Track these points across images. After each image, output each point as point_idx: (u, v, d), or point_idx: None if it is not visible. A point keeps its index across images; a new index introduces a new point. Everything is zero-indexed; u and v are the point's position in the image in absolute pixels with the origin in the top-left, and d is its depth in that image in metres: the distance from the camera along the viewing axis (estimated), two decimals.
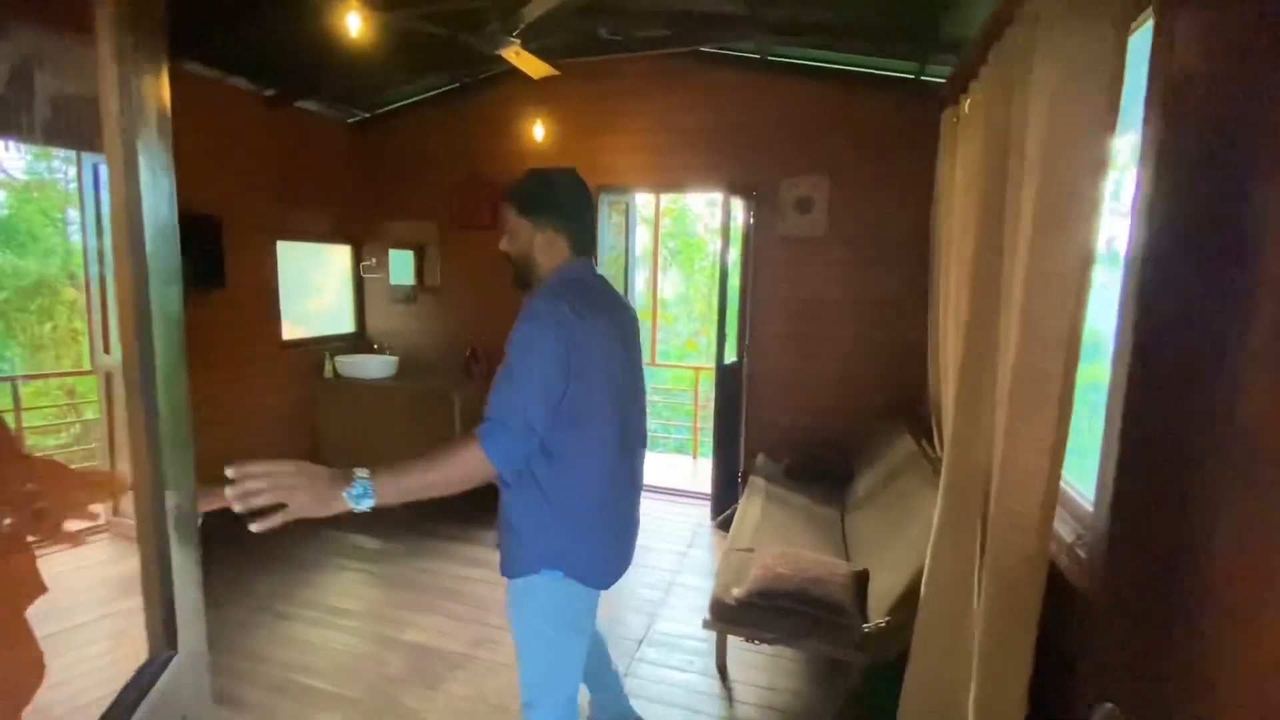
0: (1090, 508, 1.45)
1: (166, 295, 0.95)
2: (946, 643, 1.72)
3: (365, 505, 1.18)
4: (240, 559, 3.26)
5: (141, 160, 0.90)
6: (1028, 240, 1.36)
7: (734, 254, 3.87)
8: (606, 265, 4.32)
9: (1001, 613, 1.43)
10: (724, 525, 3.83)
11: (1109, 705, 0.90)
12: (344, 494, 1.16)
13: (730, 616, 2.19)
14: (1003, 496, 1.46)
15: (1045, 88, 1.36)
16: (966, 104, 2.33)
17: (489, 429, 1.30)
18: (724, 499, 3.97)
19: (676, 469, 5.12)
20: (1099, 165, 1.25)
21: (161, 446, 0.94)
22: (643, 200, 5.79)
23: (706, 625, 2.23)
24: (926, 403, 3.13)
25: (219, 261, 3.64)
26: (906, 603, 1.96)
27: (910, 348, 3.62)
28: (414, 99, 4.56)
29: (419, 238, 4.68)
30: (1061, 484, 1.38)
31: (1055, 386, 1.29)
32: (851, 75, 3.66)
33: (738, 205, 3.84)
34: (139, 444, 0.91)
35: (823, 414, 3.88)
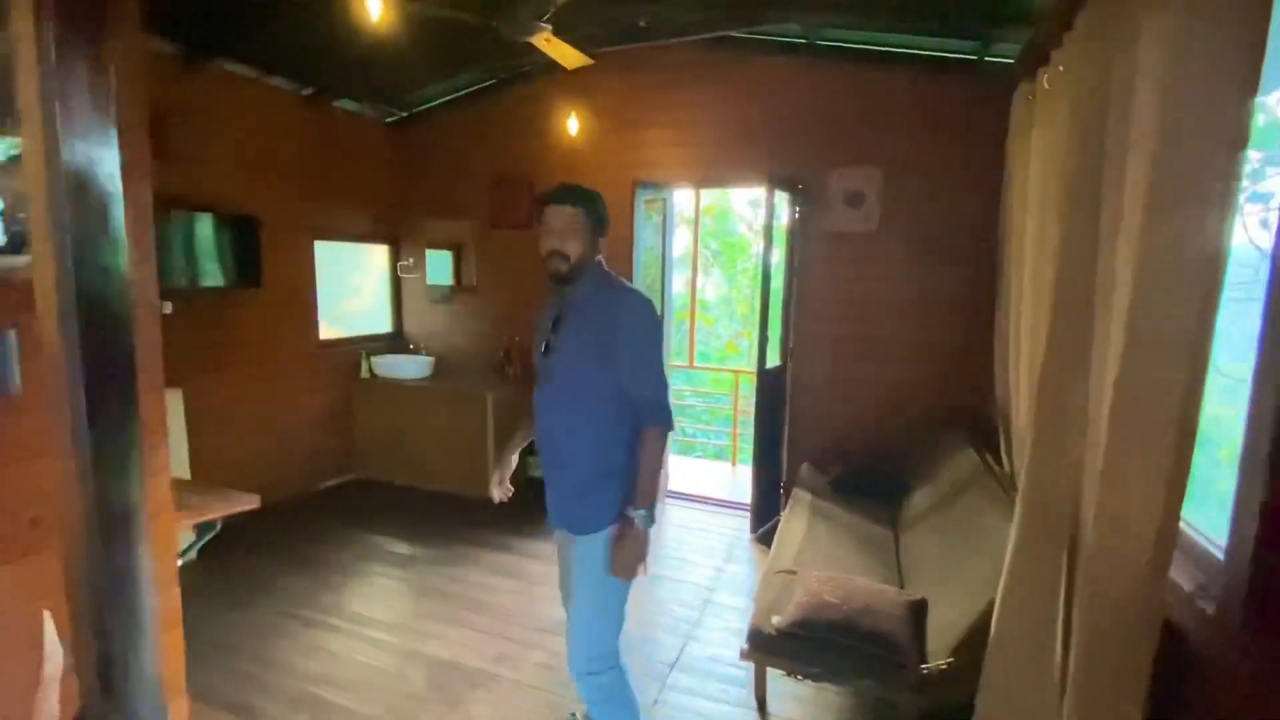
0: (1219, 552, 1.20)
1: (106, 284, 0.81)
2: (1023, 698, 1.49)
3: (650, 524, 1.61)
4: (271, 561, 3.23)
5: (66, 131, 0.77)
6: (1138, 228, 1.13)
7: (777, 252, 3.65)
8: (644, 266, 4.16)
9: (1098, 672, 1.20)
10: (764, 539, 3.62)
11: None
12: (646, 531, 1.59)
13: (770, 647, 2.00)
14: (1101, 532, 1.23)
15: (1162, 44, 1.13)
16: (1046, 78, 2.07)
17: (664, 417, 1.63)
18: (764, 511, 3.76)
19: (714, 476, 4.92)
20: (1235, 136, 1.01)
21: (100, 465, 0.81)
22: (681, 201, 5.62)
23: (744, 656, 2.04)
24: (992, 413, 2.85)
25: (256, 261, 3.64)
26: (973, 643, 1.72)
27: (971, 352, 3.34)
28: (450, 97, 4.50)
29: (456, 237, 4.63)
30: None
31: (1174, 402, 1.06)
32: (906, 58, 3.40)
33: (781, 200, 3.63)
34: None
35: (873, 423, 3.62)
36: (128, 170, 1.46)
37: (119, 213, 0.90)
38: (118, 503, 0.78)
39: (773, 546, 2.67)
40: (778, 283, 3.70)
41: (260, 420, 3.88)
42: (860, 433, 3.65)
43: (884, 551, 2.63)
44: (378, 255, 4.79)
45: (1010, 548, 1.62)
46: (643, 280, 4.03)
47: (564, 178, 4.31)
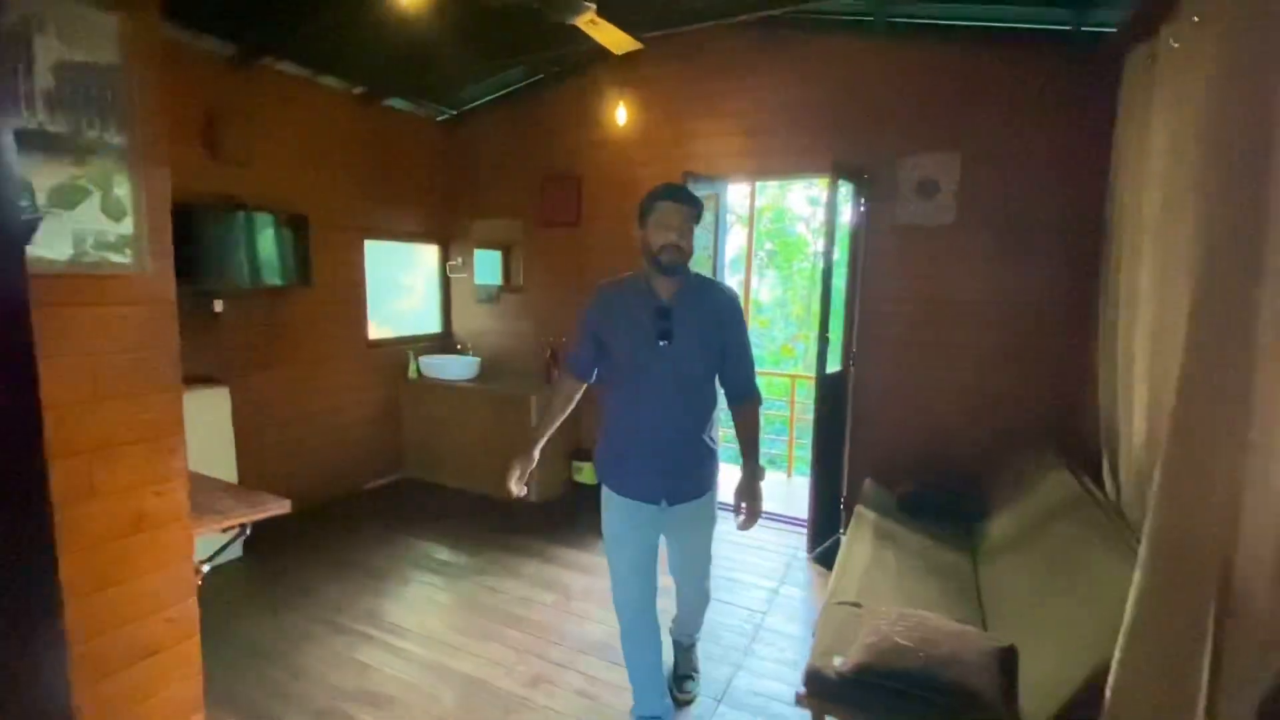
0: None
1: None
2: None
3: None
4: (313, 562, 3.20)
5: None
6: None
7: (839, 248, 3.37)
8: (695, 265, 3.94)
9: None
10: (822, 560, 3.34)
11: None
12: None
13: (831, 693, 1.75)
14: (1265, 582, 0.94)
15: None
16: (1172, 36, 1.74)
17: (759, 393, 1.96)
18: (823, 528, 3.47)
19: (768, 487, 4.63)
20: None
21: None
22: (736, 198, 5.37)
23: (800, 701, 1.80)
24: (1093, 430, 2.50)
25: (307, 260, 3.64)
26: (1083, 705, 1.43)
27: (1062, 359, 2.98)
28: (499, 94, 4.42)
29: (505, 237, 4.54)
30: None
31: None
32: (989, 31, 3.06)
33: (846, 191, 3.34)
34: None
35: (945, 436, 3.28)
36: (142, 156, 1.34)
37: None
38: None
39: (833, 572, 2.41)
40: (840, 281, 3.42)
41: (309, 419, 3.89)
42: (930, 447, 3.31)
43: (961, 583, 2.32)
44: (428, 255, 4.77)
45: (1132, 595, 1.33)
46: None
47: (614, 171, 4.21)
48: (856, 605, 2.07)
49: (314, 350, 3.89)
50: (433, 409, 4.36)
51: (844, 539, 2.71)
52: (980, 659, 1.66)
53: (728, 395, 1.93)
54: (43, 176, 1.28)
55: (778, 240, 13.47)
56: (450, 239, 4.80)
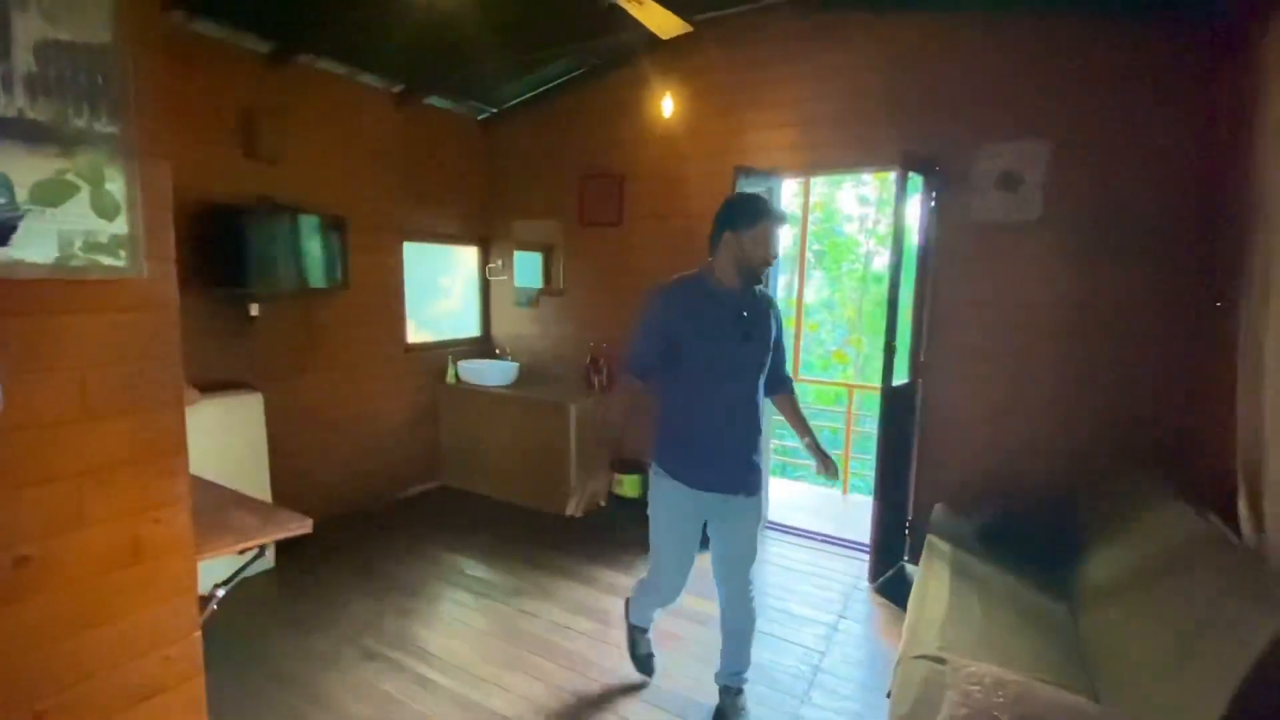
0: None
1: None
2: None
3: None
4: (346, 574, 3.09)
5: None
6: None
7: (908, 247, 3.06)
8: None
9: None
10: (886, 591, 3.04)
11: None
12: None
13: None
14: None
15: None
16: None
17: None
18: (886, 555, 3.16)
19: (821, 505, 4.33)
20: None
21: None
22: (785, 194, 5.07)
23: None
24: (1213, 457, 2.13)
25: (344, 262, 3.55)
26: None
27: (1169, 375, 2.61)
28: (539, 89, 4.26)
29: (545, 238, 4.38)
30: None
31: None
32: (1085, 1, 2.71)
33: (915, 185, 3.03)
34: None
35: (1027, 459, 2.93)
36: (138, 147, 1.13)
37: None
38: None
39: (908, 616, 2.12)
40: (907, 285, 3.10)
41: (345, 424, 3.81)
42: (1009, 471, 2.97)
43: (1061, 637, 2.00)
44: (467, 257, 4.65)
45: None
46: None
47: (658, 168, 4.00)
48: (940, 661, 1.78)
49: (351, 354, 3.80)
50: (471, 415, 4.23)
51: (916, 574, 2.41)
52: None
53: (769, 387, 2.06)
54: (24, 170, 1.14)
55: (826, 240, 13.00)
56: (490, 241, 4.67)
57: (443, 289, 4.56)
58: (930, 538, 2.66)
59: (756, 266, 1.87)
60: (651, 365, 1.93)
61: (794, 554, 3.44)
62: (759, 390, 1.98)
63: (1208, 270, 2.42)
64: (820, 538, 3.65)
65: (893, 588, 3.07)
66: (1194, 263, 2.51)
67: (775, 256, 1.91)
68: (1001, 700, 1.47)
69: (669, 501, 1.97)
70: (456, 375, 4.33)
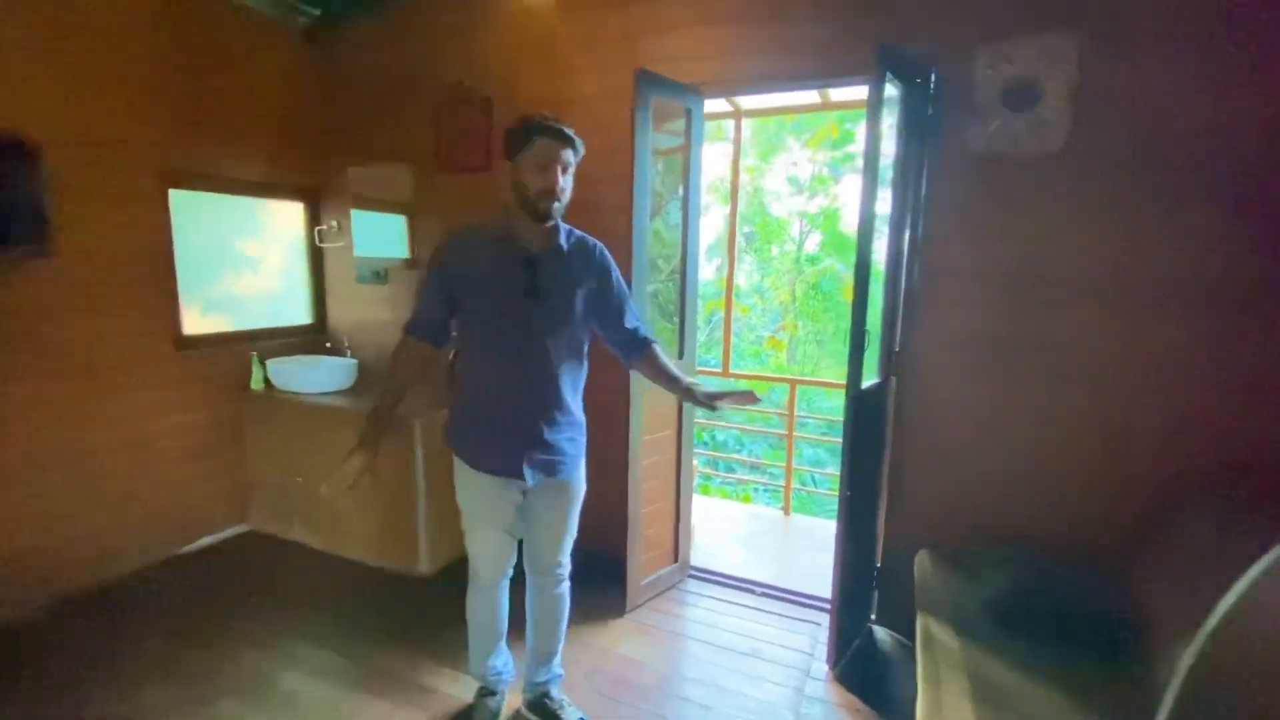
0: None
1: None
2: None
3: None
4: (84, 687, 1.90)
5: None
6: None
7: (882, 193, 2.14)
8: (667, 221, 2.70)
9: None
10: (852, 679, 2.15)
11: None
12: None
13: None
14: None
15: None
16: None
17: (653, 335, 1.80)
18: (850, 621, 2.29)
19: (757, 533, 3.44)
20: None
21: None
22: (710, 168, 4.10)
23: None
24: None
25: (40, 214, 2.29)
26: None
27: (1257, 371, 1.81)
28: None
29: (393, 191, 3.23)
30: None
31: None
32: None
33: (890, 100, 2.11)
34: None
35: (1047, 488, 2.10)
36: None
37: None
38: None
39: None
40: (875, 252, 2.19)
41: (81, 459, 2.55)
42: (1020, 505, 2.13)
43: None
44: (286, 216, 3.42)
45: None
46: (648, 250, 2.55)
47: (538, 88, 2.52)
48: None
49: (82, 353, 2.54)
50: (285, 435, 3.04)
51: (921, 695, 1.50)
52: None
53: (624, 352, 1.77)
54: None
55: (757, 221, 12.28)
56: (320, 194, 3.46)
57: (248, 259, 3.31)
58: (924, 620, 1.78)
59: (534, 199, 1.53)
60: (434, 326, 1.66)
61: (721, 620, 2.50)
62: (571, 361, 1.67)
63: None
64: (759, 589, 2.73)
65: (860, 672, 2.19)
66: None
67: (559, 187, 1.53)
68: None
69: (466, 489, 1.71)
70: (266, 379, 3.13)
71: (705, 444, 9.61)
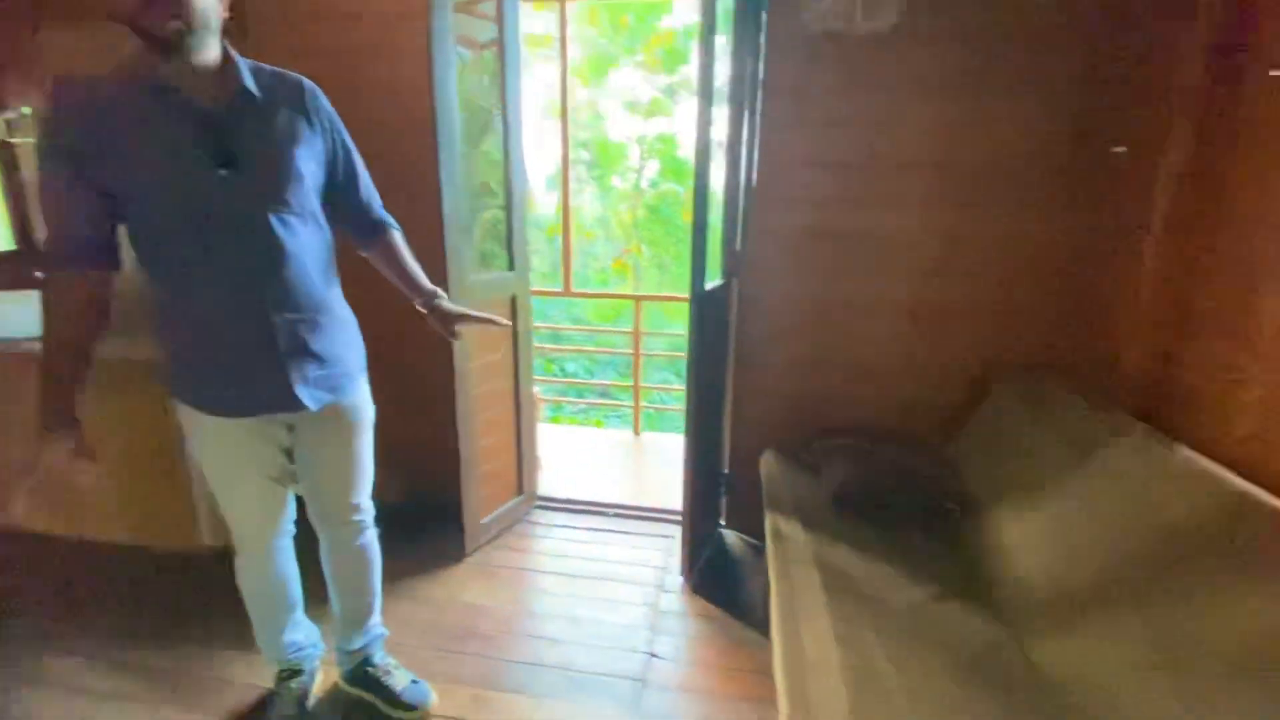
0: None
1: None
2: None
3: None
4: None
5: None
6: None
7: (720, 79, 1.95)
8: (456, 136, 2.28)
9: None
10: (707, 588, 2.12)
11: None
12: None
13: None
14: None
15: None
16: None
17: (393, 219, 1.45)
18: (702, 530, 2.25)
19: (609, 457, 3.34)
20: None
21: None
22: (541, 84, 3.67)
23: None
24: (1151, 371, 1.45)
25: None
26: None
27: (1084, 251, 1.94)
28: None
29: (106, 61, 2.41)
30: None
31: None
32: None
33: None
34: None
35: (879, 381, 2.16)
36: None
37: None
38: None
39: (780, 694, 1.13)
40: (713, 150, 2.01)
41: None
42: (860, 395, 2.18)
43: (1024, 705, 1.18)
44: None
45: None
46: (459, 161, 2.12)
47: None
48: None
49: None
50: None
51: (774, 588, 1.45)
52: None
53: (353, 234, 1.40)
54: None
55: (595, 145, 11.84)
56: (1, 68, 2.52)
57: None
58: (771, 518, 1.74)
59: (139, 22, 1.00)
60: (81, 245, 1.12)
61: (571, 549, 2.35)
62: (305, 244, 1.22)
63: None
64: (611, 510, 2.62)
65: (713, 579, 2.18)
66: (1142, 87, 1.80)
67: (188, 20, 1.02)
68: None
69: (206, 443, 1.31)
70: None
71: (555, 374, 9.44)
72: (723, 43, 1.94)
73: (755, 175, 2.10)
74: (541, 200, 11.72)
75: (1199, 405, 1.35)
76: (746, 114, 2.08)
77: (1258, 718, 0.88)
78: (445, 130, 1.93)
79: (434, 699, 1.59)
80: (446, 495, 2.22)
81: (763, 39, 2.01)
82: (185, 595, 2.03)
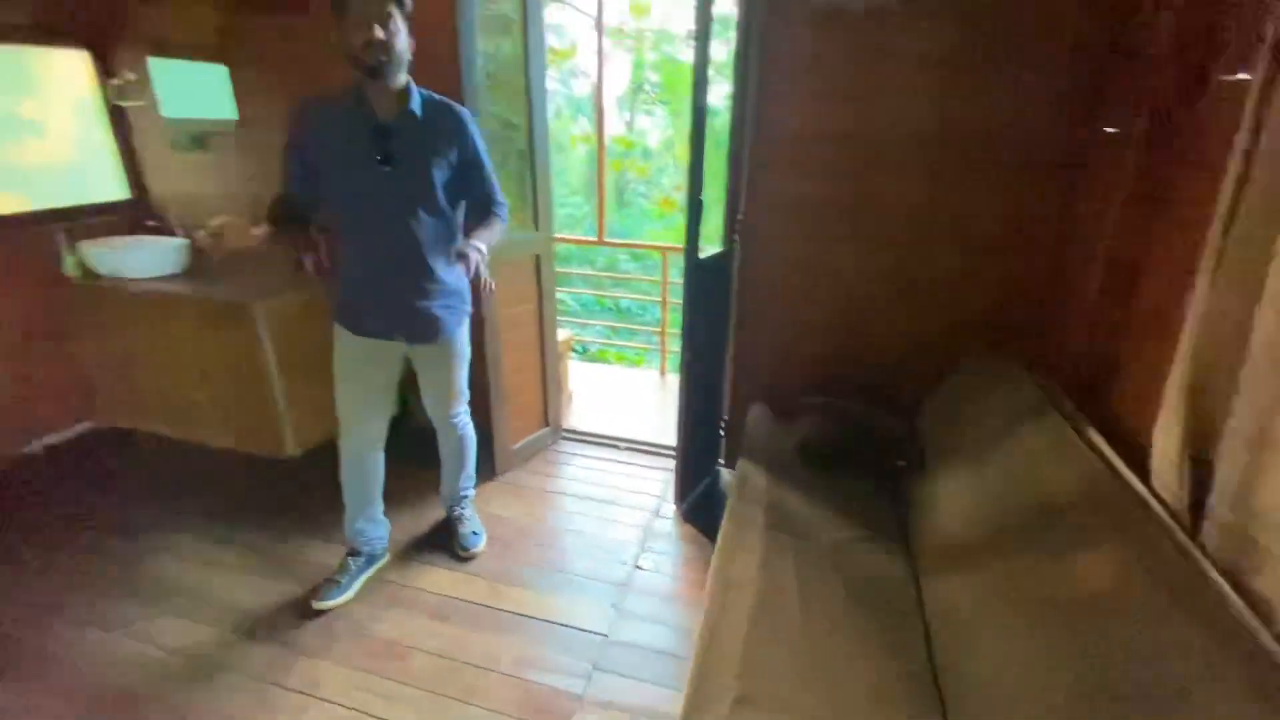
0: None
1: None
2: None
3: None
4: None
5: None
6: None
7: (723, 51, 2.06)
8: (480, 87, 2.47)
9: None
10: (696, 516, 2.45)
11: None
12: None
13: None
14: None
15: None
16: None
17: (505, 214, 1.85)
18: (698, 466, 2.55)
19: (635, 396, 3.65)
20: None
21: None
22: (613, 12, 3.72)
23: None
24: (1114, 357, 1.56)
25: None
26: None
27: (1066, 226, 2.00)
28: None
29: (197, 34, 2.75)
30: None
31: None
32: None
33: None
34: None
35: (861, 343, 2.32)
36: None
37: None
38: None
39: (704, 616, 1.44)
40: (720, 116, 2.15)
41: None
42: (842, 359, 2.35)
43: (902, 622, 1.43)
44: (69, 67, 2.87)
45: None
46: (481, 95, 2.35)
47: None
48: (742, 702, 1.11)
49: None
50: (117, 327, 2.81)
51: (723, 526, 1.74)
52: None
53: (471, 213, 1.82)
54: None
55: (665, 70, 11.52)
56: (109, 39, 2.91)
57: (28, 123, 2.81)
58: (742, 463, 2.01)
59: (359, 55, 1.50)
60: (299, 194, 1.67)
61: (586, 475, 2.72)
62: (435, 226, 1.71)
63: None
64: (624, 444, 2.96)
65: (702, 510, 2.49)
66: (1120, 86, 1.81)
67: (382, 40, 1.49)
68: None
69: (340, 350, 1.82)
70: (81, 266, 2.81)
71: (610, 310, 9.74)
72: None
73: (758, 145, 2.22)
74: (612, 121, 11.59)
75: (1124, 388, 1.48)
76: (752, 92, 2.17)
77: (1064, 649, 1.10)
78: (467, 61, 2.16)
79: (481, 547, 2.20)
80: (480, 423, 2.61)
81: (771, 11, 2.08)
82: (273, 492, 2.54)
